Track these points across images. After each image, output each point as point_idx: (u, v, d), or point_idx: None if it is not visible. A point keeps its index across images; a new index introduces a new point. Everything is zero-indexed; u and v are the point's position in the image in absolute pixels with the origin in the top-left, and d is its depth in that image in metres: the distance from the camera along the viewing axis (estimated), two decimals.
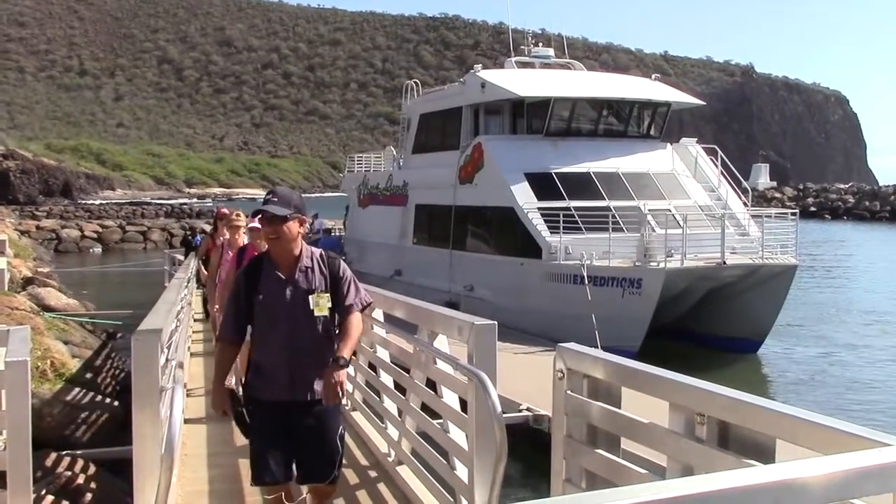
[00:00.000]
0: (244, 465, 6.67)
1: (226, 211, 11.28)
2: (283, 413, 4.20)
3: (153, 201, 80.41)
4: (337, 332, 4.35)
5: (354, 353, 4.66)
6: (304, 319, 4.23)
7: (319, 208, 33.36)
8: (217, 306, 8.80)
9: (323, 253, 4.41)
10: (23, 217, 49.22)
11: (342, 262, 4.46)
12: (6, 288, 13.12)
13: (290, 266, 4.27)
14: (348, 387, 8.20)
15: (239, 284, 4.38)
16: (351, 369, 8.17)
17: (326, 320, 4.30)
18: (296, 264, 4.27)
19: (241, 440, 7.34)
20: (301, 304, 4.21)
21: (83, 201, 73.58)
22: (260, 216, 4.29)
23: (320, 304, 4.23)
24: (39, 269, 21.37)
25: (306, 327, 4.24)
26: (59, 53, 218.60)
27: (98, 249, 44.95)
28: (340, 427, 4.38)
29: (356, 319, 4.37)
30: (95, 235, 46.42)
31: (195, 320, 14.48)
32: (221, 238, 9.87)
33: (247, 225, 8.31)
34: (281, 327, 4.22)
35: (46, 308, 13.74)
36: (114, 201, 77.42)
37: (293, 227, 4.24)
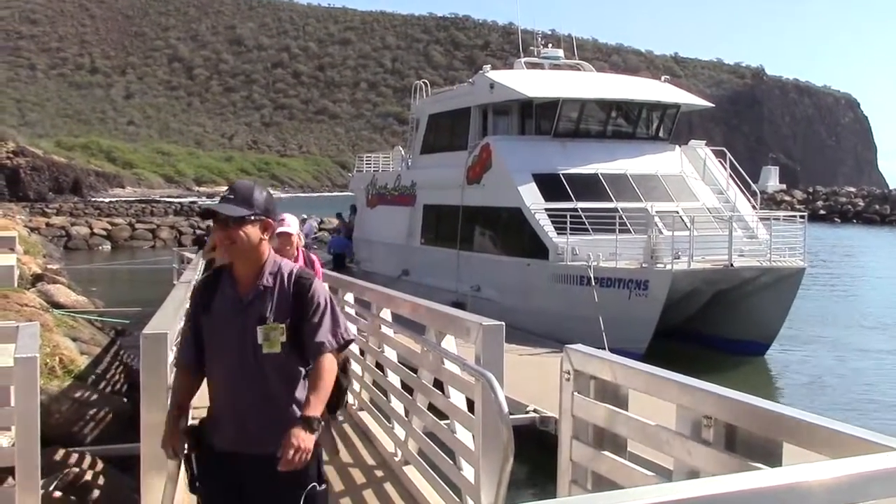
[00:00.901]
0: None
1: None
2: (234, 467, 3.31)
3: (163, 199, 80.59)
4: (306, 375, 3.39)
5: (345, 366, 3.62)
6: (251, 356, 3.28)
7: (327, 208, 33.44)
8: None
9: (295, 269, 3.44)
10: (33, 214, 49.43)
11: (318, 284, 3.44)
12: (16, 284, 13.19)
13: (248, 283, 3.36)
14: (355, 387, 8.22)
15: (193, 297, 3.60)
16: (358, 369, 8.19)
17: (287, 360, 3.31)
18: (255, 281, 3.35)
19: None
20: (251, 335, 3.27)
21: (93, 199, 73.84)
22: (216, 220, 3.40)
23: (271, 339, 3.27)
24: (49, 266, 21.47)
25: (254, 366, 3.29)
26: (70, 51, 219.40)
27: (107, 247, 45.10)
28: (306, 492, 3.31)
29: (329, 364, 3.30)
30: (105, 233, 46.57)
31: None
32: None
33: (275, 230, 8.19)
34: (225, 361, 3.34)
35: (56, 305, 13.81)
36: (123, 199, 77.59)
37: (253, 231, 3.32)
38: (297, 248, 7.04)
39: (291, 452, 3.09)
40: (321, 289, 3.42)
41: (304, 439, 3.13)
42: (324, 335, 3.32)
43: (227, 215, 3.31)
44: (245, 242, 3.32)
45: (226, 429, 3.33)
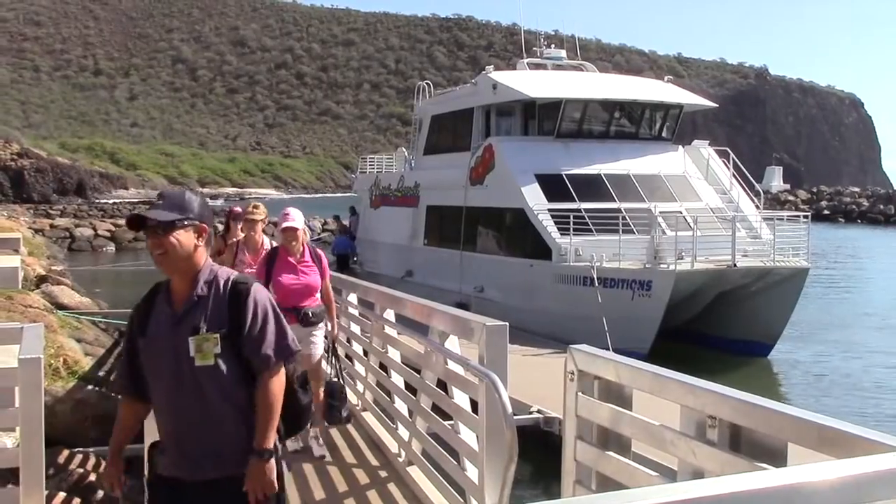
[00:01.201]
0: None
1: (238, 209, 9.76)
2: (178, 494, 3.08)
3: None
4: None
5: (304, 381, 3.33)
6: (187, 372, 3.01)
7: (331, 209, 33.46)
8: None
9: (233, 276, 3.15)
10: (37, 215, 49.54)
11: (259, 290, 3.13)
12: (20, 286, 13.20)
13: (182, 294, 3.10)
14: (359, 387, 8.22)
15: (130, 320, 3.31)
16: (361, 369, 8.19)
17: (225, 374, 3.01)
18: (190, 292, 3.08)
19: None
20: (185, 349, 3.01)
21: (97, 200, 73.95)
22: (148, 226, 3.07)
23: (204, 351, 2.98)
24: (53, 268, 21.50)
25: (190, 383, 3.01)
26: (74, 53, 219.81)
27: (111, 248, 45.16)
28: None
29: (275, 382, 3.03)
30: (109, 234, 46.63)
31: None
32: (234, 240, 8.85)
33: (279, 225, 7.12)
34: (164, 381, 3.07)
35: (60, 306, 13.82)
36: (127, 200, 77.73)
37: (186, 237, 3.05)
38: (304, 244, 6.86)
39: (253, 497, 2.97)
40: (262, 295, 3.12)
41: (262, 475, 2.96)
42: (268, 346, 3.04)
43: (157, 221, 3.02)
44: (178, 250, 3.03)
45: (169, 452, 3.12)
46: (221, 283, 3.09)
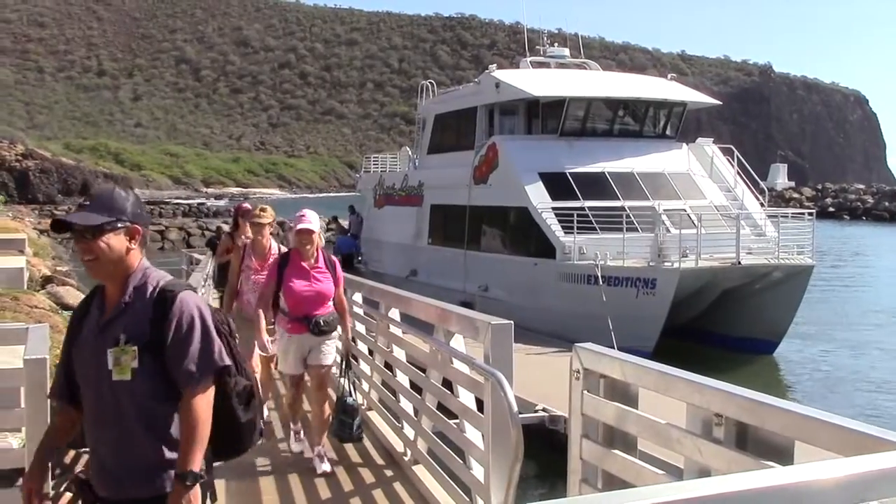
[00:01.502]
0: (260, 459, 6.72)
1: (247, 206, 9.13)
2: None
3: (171, 201, 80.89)
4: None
5: (249, 396, 2.98)
6: (106, 385, 2.76)
7: (335, 209, 33.46)
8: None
9: (162, 281, 2.84)
10: (42, 216, 49.59)
11: (187, 297, 2.81)
12: (25, 286, 13.23)
13: (112, 301, 2.85)
14: (364, 387, 8.23)
15: (69, 323, 3.08)
16: (367, 368, 8.19)
17: (143, 389, 2.75)
18: (119, 299, 2.82)
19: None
20: (105, 361, 2.76)
21: None
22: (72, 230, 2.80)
23: (122, 364, 2.72)
24: (58, 268, 21.54)
25: (110, 398, 2.76)
26: (77, 54, 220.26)
27: None
28: None
29: (200, 401, 2.74)
30: None
31: None
32: (244, 237, 8.44)
33: (294, 227, 6.72)
34: (88, 394, 2.85)
35: (65, 307, 13.83)
36: None
37: (117, 241, 2.78)
38: (318, 249, 6.51)
39: None
40: (190, 303, 2.80)
41: (179, 500, 2.70)
42: (191, 362, 2.74)
43: (84, 225, 2.74)
44: (108, 255, 2.76)
45: (93, 467, 2.91)
46: (150, 289, 2.80)
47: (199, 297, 2.90)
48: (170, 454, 2.77)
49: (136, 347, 2.72)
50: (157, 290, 2.79)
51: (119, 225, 2.78)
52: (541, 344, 14.47)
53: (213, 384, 2.78)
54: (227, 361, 2.82)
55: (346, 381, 6.70)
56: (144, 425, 2.77)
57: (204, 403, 2.75)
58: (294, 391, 6.89)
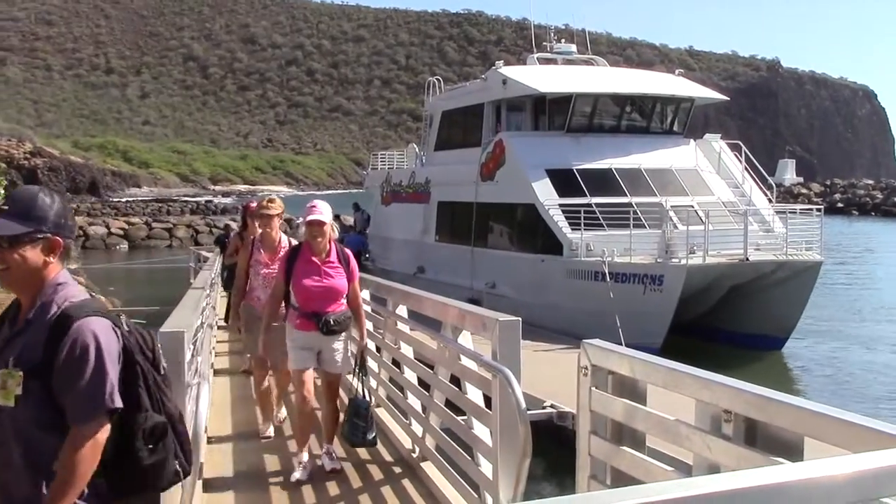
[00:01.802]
0: (269, 458, 6.74)
1: (255, 205, 8.79)
2: None
3: (179, 198, 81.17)
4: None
5: (163, 432, 2.61)
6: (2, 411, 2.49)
7: (342, 206, 33.38)
8: (242, 322, 7.56)
9: (67, 303, 2.53)
10: None
11: (86, 325, 2.47)
12: None
13: (22, 315, 2.60)
14: (372, 383, 8.24)
15: None
16: (374, 365, 8.20)
17: (25, 418, 2.45)
18: (25, 315, 2.57)
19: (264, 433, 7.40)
20: None
21: (110, 198, 74.49)
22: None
23: (7, 388, 2.43)
24: (66, 266, 21.63)
25: (5, 424, 2.48)
26: (85, 52, 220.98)
27: (124, 246, 45.46)
28: None
29: (84, 444, 2.41)
30: (122, 232, 46.97)
31: (219, 328, 12.33)
32: (252, 236, 8.08)
33: (304, 218, 6.31)
34: None
35: None
36: (140, 198, 78.21)
37: (33, 253, 2.52)
38: (330, 241, 6.18)
39: None
40: (86, 332, 2.45)
41: None
42: (77, 399, 2.41)
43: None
44: (21, 268, 2.50)
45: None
46: (53, 308, 2.50)
47: (103, 324, 2.51)
48: (47, 491, 2.46)
49: (21, 372, 2.43)
50: (60, 311, 2.49)
51: (38, 236, 2.51)
52: (548, 340, 14.46)
53: (105, 423, 2.45)
54: (118, 404, 2.46)
55: (361, 383, 6.37)
56: (23, 455, 2.47)
57: (88, 444, 2.41)
58: (301, 389, 6.20)
